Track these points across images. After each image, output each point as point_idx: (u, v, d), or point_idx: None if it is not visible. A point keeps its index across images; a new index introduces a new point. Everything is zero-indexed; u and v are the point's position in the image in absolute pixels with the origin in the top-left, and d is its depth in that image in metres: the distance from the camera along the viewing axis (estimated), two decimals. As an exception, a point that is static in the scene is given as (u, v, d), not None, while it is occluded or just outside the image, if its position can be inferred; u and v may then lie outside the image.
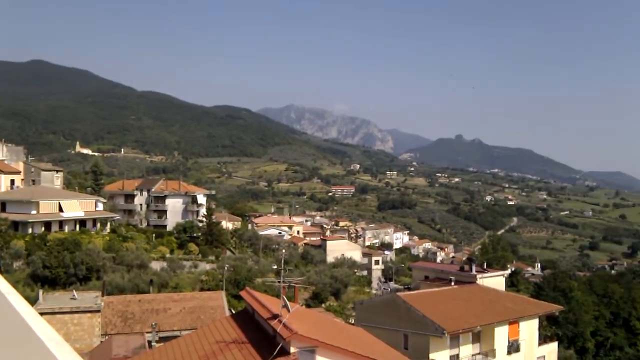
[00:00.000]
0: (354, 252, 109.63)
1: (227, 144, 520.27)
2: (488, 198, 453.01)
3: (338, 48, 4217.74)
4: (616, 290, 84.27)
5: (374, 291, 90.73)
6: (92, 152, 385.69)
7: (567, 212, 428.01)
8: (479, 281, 52.46)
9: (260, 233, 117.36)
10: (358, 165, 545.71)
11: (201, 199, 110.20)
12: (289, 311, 18.45)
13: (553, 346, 44.24)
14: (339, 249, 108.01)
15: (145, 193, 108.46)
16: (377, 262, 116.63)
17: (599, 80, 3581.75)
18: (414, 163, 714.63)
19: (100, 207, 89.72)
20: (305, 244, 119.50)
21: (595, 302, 78.44)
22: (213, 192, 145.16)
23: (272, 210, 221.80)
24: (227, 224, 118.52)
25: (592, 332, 72.46)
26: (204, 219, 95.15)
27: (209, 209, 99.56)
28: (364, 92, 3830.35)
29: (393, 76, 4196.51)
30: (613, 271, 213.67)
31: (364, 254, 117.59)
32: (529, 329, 40.75)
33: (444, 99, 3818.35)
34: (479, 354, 37.12)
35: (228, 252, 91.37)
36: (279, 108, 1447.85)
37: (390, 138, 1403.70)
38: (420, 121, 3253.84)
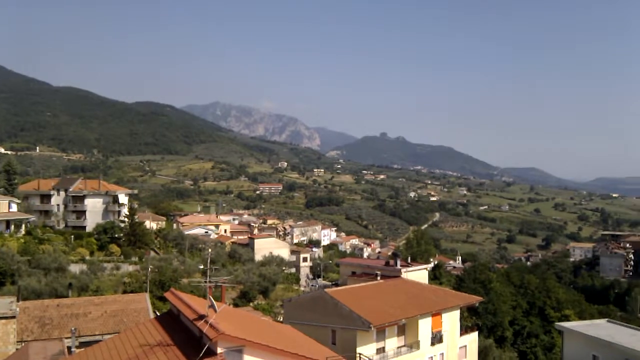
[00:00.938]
0: (282, 250, 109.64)
1: (150, 141, 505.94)
2: (412, 194, 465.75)
3: (264, 45, 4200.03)
4: (532, 280, 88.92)
5: (302, 288, 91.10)
6: (5, 150, 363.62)
7: (485, 207, 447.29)
8: (404, 275, 53.86)
9: (186, 232, 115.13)
10: (285, 163, 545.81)
11: (123, 199, 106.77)
12: (215, 311, 18.22)
13: (474, 336, 46.04)
14: (267, 247, 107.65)
15: (62, 193, 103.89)
16: (305, 259, 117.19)
17: (513, 82, 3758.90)
18: (341, 160, 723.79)
19: (14, 208, 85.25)
20: (232, 242, 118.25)
21: (513, 292, 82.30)
22: (135, 191, 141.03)
23: (198, 209, 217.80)
24: (151, 224, 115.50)
25: (510, 321, 75.96)
26: (126, 219, 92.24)
27: (131, 209, 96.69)
28: (291, 90, 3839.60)
29: (320, 74, 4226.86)
30: (529, 263, 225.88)
31: (292, 252, 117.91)
32: (451, 320, 42.22)
33: (369, 98, 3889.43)
34: (404, 346, 38.08)
35: (152, 253, 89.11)
36: (204, 105, 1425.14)
37: (317, 136, 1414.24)
38: (346, 119, 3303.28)
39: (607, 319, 35.38)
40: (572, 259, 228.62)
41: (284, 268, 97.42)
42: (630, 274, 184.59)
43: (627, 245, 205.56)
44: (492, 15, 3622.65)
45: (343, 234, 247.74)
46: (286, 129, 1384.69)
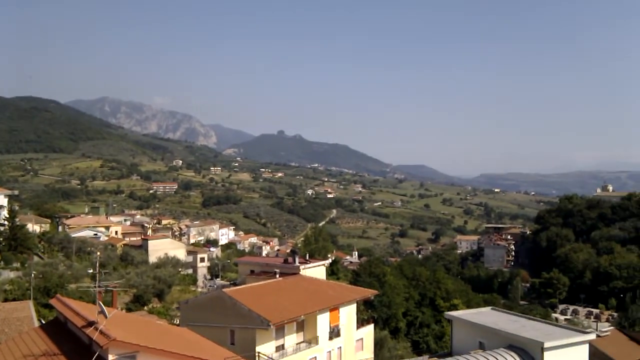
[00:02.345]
0: (178, 251, 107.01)
1: (31, 138, 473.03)
2: (309, 192, 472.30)
3: (153, 38, 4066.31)
4: (423, 273, 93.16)
5: (199, 289, 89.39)
6: None
7: (379, 203, 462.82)
8: (302, 272, 54.27)
9: (73, 235, 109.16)
10: (180, 161, 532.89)
11: (2, 200, 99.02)
12: (106, 317, 17.42)
13: (370, 328, 47.35)
14: (162, 248, 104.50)
15: None
16: (202, 260, 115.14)
17: (401, 81, 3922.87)
18: (238, 158, 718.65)
19: None
20: (124, 244, 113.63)
21: (406, 285, 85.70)
22: (16, 192, 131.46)
23: (86, 210, 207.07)
24: (34, 227, 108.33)
25: (403, 312, 79.06)
26: (6, 222, 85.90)
27: (11, 211, 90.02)
28: (185, 86, 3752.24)
29: (214, 70, 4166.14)
30: (420, 256, 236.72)
31: (189, 252, 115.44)
32: (348, 314, 43.17)
33: (265, 95, 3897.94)
34: (303, 342, 38.40)
35: (36, 258, 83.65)
36: (92, 100, 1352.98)
37: (213, 133, 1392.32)
38: (243, 117, 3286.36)
39: (491, 307, 37.57)
40: (459, 251, 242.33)
41: (180, 269, 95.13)
42: (512, 263, 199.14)
43: (509, 237, 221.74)
44: (376, 16, 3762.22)
45: (241, 233, 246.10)
46: (181, 126, 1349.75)
